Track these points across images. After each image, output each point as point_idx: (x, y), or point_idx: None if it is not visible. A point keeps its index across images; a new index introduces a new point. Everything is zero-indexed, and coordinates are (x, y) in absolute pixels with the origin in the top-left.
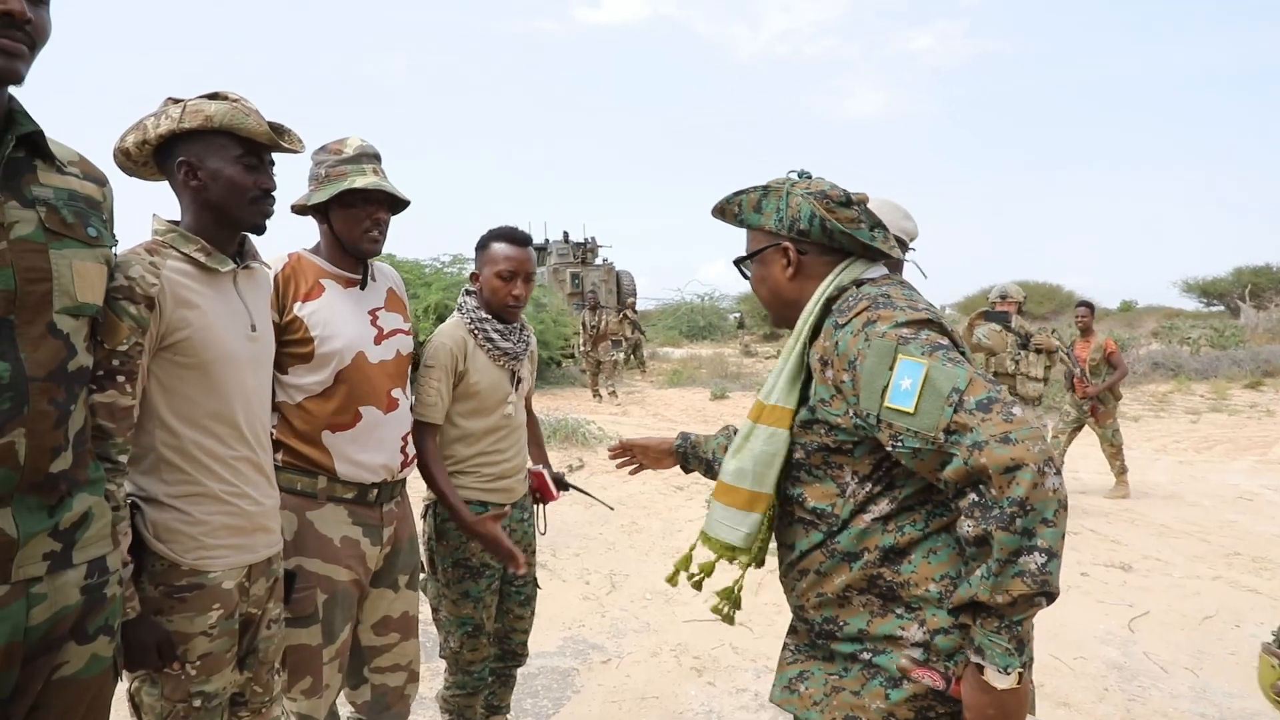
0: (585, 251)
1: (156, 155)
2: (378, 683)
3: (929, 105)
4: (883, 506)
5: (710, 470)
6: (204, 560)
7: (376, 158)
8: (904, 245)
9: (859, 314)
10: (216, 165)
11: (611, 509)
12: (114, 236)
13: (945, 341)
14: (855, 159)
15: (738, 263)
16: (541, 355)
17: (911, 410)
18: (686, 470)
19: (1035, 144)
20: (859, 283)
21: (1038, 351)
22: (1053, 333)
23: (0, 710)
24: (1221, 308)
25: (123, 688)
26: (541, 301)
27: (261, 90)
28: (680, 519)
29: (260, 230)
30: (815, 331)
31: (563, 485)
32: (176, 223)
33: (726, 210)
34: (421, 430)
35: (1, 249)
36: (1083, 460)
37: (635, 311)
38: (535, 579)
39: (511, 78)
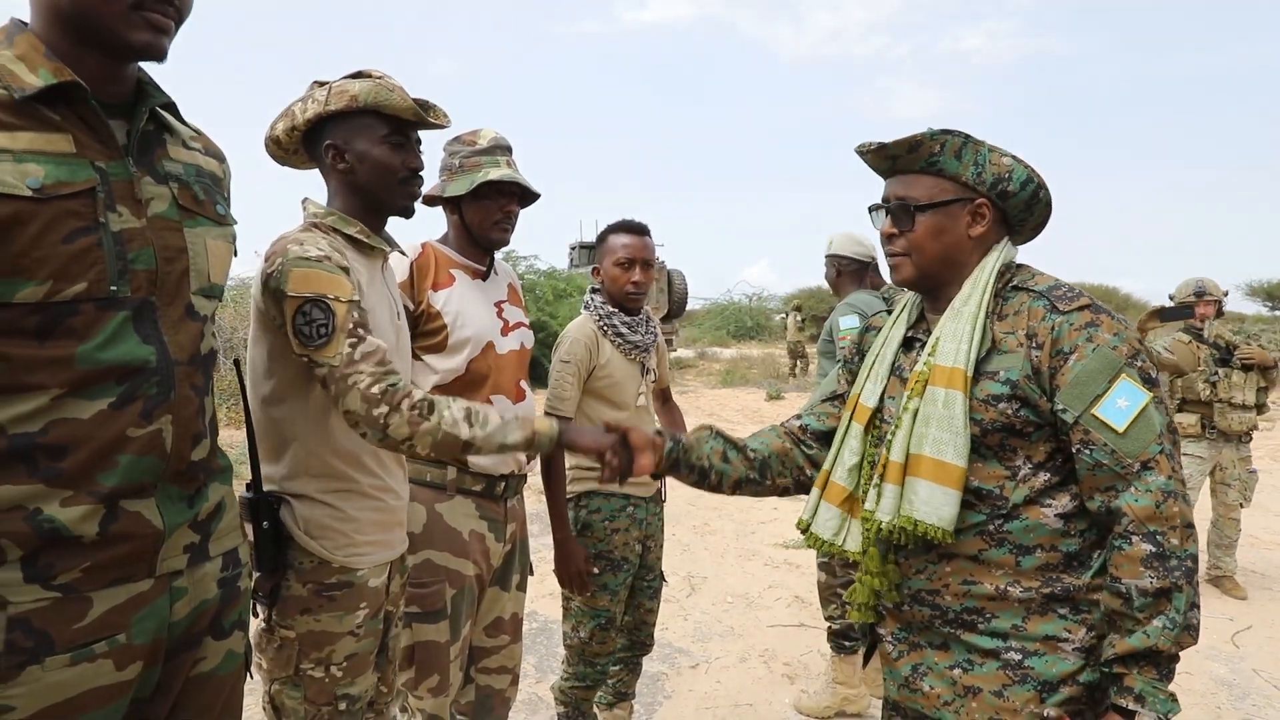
0: None
1: (305, 141)
2: (483, 684)
3: (978, 105)
4: (1065, 502)
5: (704, 479)
6: (354, 558)
7: (508, 150)
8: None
9: (1080, 309)
10: (364, 146)
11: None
12: (233, 217)
13: (1155, 374)
14: None
15: (909, 209)
16: None
17: (1121, 430)
18: (664, 475)
19: (1087, 144)
20: (1017, 265)
21: (1246, 369)
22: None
23: (140, 711)
24: None
25: (261, 690)
26: None
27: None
28: (753, 520)
29: (408, 213)
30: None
31: None
32: (329, 209)
33: (922, 146)
34: None
35: (141, 227)
36: None
37: (800, 311)
38: (662, 573)
39: (556, 77)
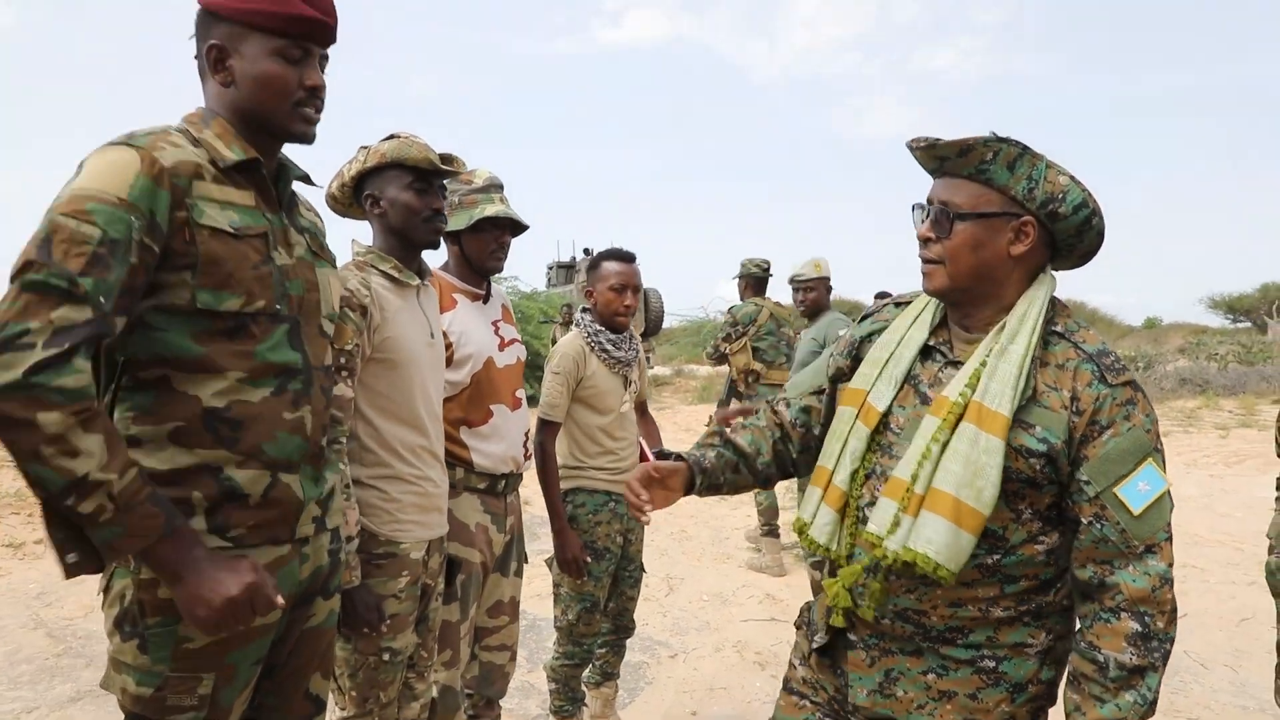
0: None
1: (353, 195)
2: (486, 660)
3: (951, 122)
4: (1053, 540)
5: (718, 491)
6: (397, 532)
7: (501, 187)
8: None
9: (1124, 384)
10: (393, 193)
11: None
12: None
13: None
14: (875, 178)
15: (948, 214)
16: None
17: (1136, 514)
18: (689, 493)
19: (1056, 159)
20: (1054, 300)
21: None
22: None
23: (272, 648)
24: (1249, 324)
25: None
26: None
27: None
28: (727, 527)
29: (435, 245)
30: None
31: (662, 457)
32: (370, 248)
33: (973, 152)
34: (544, 427)
35: (292, 264)
36: None
37: None
38: (642, 563)
39: (531, 98)
